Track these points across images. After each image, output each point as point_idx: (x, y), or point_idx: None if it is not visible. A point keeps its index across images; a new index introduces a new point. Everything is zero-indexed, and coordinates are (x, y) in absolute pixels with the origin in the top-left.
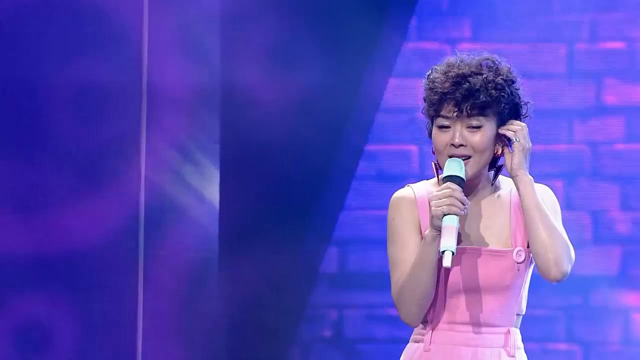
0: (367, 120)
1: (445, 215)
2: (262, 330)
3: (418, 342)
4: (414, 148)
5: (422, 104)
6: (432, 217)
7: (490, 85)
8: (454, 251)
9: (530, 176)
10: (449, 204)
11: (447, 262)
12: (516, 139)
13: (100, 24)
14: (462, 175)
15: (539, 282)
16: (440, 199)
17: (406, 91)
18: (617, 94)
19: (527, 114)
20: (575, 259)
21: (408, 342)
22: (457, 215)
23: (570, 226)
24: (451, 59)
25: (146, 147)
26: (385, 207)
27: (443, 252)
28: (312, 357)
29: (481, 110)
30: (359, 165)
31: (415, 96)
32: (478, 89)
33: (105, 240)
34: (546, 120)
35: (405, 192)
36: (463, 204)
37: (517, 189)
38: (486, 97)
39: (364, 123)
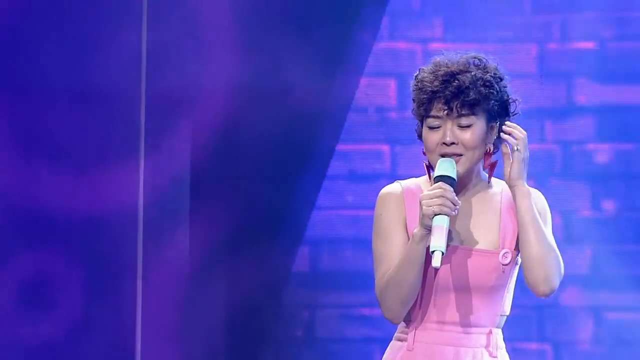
0: (339, 120)
1: (436, 215)
2: (234, 331)
3: (401, 340)
4: (385, 147)
5: (399, 104)
6: (422, 216)
7: (479, 82)
8: (444, 251)
9: (527, 187)
10: (440, 204)
11: (436, 262)
12: (517, 149)
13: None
14: (454, 175)
15: None
16: (432, 199)
17: (378, 90)
18: (588, 93)
19: (515, 112)
20: None
21: (380, 341)
22: (448, 216)
23: None
24: (438, 58)
25: (145, 149)
26: (357, 206)
27: (433, 252)
28: (285, 357)
29: (471, 108)
30: (331, 164)
31: (387, 96)
32: (468, 86)
33: (105, 241)
34: (517, 120)
35: (394, 187)
36: (454, 205)
37: (514, 198)
38: (476, 95)
39: (336, 122)
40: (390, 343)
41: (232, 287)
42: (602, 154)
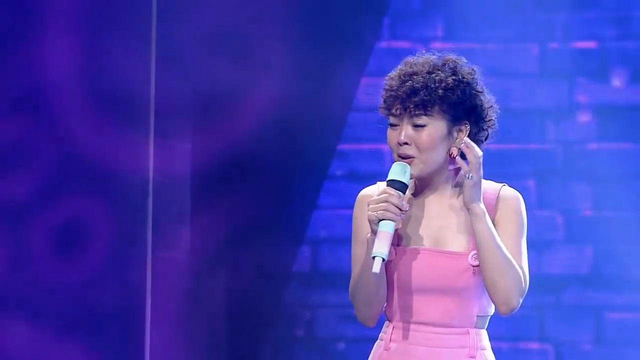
0: (340, 120)
1: (380, 220)
2: (234, 329)
3: (382, 340)
4: (386, 147)
5: None
6: (369, 222)
7: (436, 84)
8: (385, 257)
9: (482, 207)
10: (384, 210)
11: (376, 268)
12: (468, 177)
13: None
14: (405, 180)
15: None
16: (377, 204)
17: (379, 90)
18: (589, 93)
19: (489, 117)
20: (549, 257)
21: None
22: (393, 221)
23: (543, 225)
24: (409, 58)
25: (154, 152)
26: None
27: (374, 257)
28: (284, 356)
29: (424, 108)
30: (331, 164)
31: None
32: (420, 87)
33: (115, 240)
34: (518, 119)
35: (371, 190)
36: (400, 210)
37: (471, 219)
38: (427, 96)
39: (336, 122)
40: (375, 342)
41: (233, 286)
42: (603, 153)
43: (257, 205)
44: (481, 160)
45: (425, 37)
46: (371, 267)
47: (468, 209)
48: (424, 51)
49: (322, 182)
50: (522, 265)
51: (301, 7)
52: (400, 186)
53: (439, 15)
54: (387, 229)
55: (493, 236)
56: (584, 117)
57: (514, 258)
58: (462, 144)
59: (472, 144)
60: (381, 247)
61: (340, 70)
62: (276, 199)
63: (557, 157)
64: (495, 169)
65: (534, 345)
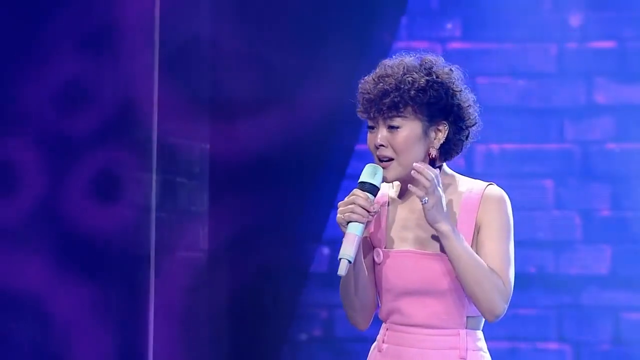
0: (358, 120)
1: (348, 222)
2: (253, 330)
3: (377, 341)
4: None
5: None
6: (338, 224)
7: (408, 85)
8: (351, 260)
9: (448, 225)
10: (350, 212)
11: (341, 270)
12: (424, 202)
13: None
14: (375, 182)
15: (529, 281)
16: (345, 206)
17: None
18: (607, 93)
19: (469, 116)
20: (567, 257)
21: None
22: (361, 223)
23: (561, 226)
24: (386, 60)
25: (157, 147)
26: None
27: (340, 259)
28: (303, 356)
29: (397, 109)
30: (350, 164)
31: None
32: (391, 89)
33: (119, 239)
34: (536, 119)
35: None
36: (368, 212)
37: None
38: (397, 97)
39: (355, 122)
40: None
41: (251, 286)
42: (621, 153)
43: (276, 205)
44: (436, 180)
45: (443, 37)
46: (351, 270)
47: (435, 229)
48: (402, 53)
49: (340, 182)
50: (504, 269)
51: (318, 7)
52: (370, 188)
53: (457, 15)
54: (354, 230)
55: (464, 251)
56: (602, 117)
57: (496, 263)
58: (412, 171)
59: (422, 167)
60: (347, 249)
61: (359, 71)
62: (294, 198)
63: (575, 157)
64: (513, 169)
65: (552, 346)
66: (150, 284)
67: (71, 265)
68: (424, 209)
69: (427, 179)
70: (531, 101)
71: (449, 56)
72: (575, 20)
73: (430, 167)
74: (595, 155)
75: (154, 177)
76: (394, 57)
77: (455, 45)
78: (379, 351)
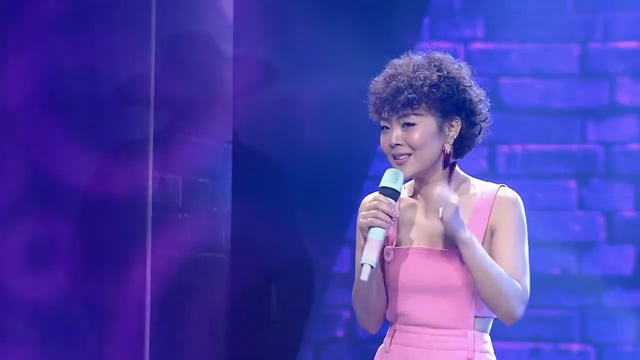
0: None
1: (370, 227)
2: (275, 330)
3: (384, 342)
4: None
5: None
6: (360, 229)
7: (420, 81)
8: (374, 265)
9: (467, 233)
10: (373, 217)
11: (364, 275)
12: (440, 216)
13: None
14: (397, 187)
15: (552, 282)
16: (368, 211)
17: None
18: (630, 93)
19: (480, 111)
20: (590, 258)
21: None
22: (383, 228)
23: (584, 226)
24: (394, 60)
25: (154, 149)
26: None
27: (362, 265)
28: (325, 357)
29: (411, 107)
30: (372, 165)
31: None
32: (404, 86)
33: (115, 237)
34: (559, 120)
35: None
36: (391, 217)
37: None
38: (412, 94)
39: (377, 123)
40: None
41: (274, 287)
42: None
43: (298, 206)
44: (443, 193)
45: (466, 37)
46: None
47: (454, 238)
48: (408, 52)
49: (362, 183)
50: (521, 274)
51: (339, 7)
52: (392, 193)
53: (480, 15)
54: (376, 236)
55: (482, 259)
56: (625, 118)
57: (513, 267)
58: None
59: (430, 191)
60: (370, 255)
61: (381, 71)
62: (316, 199)
63: (598, 158)
64: (536, 170)
65: (575, 347)
66: (147, 282)
67: (71, 266)
68: (443, 222)
69: (435, 194)
70: (554, 101)
71: (471, 57)
72: (598, 20)
73: (442, 187)
74: (618, 156)
75: (150, 175)
76: (401, 56)
77: (477, 45)
78: (386, 352)
